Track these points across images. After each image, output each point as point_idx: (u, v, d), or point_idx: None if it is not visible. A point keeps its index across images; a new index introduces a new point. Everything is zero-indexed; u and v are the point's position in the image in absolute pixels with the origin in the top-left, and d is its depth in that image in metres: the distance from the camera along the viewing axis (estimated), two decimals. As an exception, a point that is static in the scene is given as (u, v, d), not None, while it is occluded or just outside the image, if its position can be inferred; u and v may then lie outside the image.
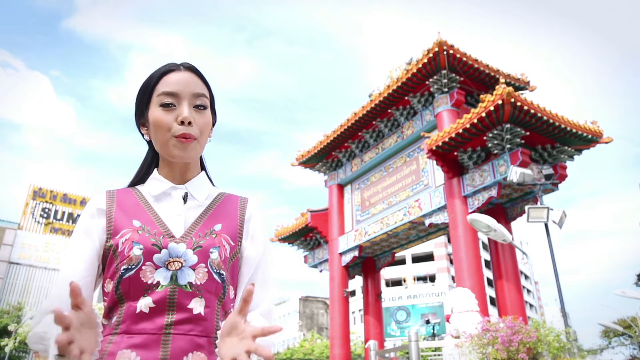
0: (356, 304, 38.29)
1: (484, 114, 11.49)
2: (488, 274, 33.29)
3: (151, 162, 1.27)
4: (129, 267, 1.03)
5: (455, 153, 12.75)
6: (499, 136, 11.75)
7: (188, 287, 1.04)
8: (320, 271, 18.51)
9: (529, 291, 55.62)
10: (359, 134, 16.97)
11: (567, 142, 12.70)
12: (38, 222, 36.13)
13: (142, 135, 1.22)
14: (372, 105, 15.61)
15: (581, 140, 12.72)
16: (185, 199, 1.18)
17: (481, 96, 11.96)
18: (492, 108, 11.29)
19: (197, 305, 1.03)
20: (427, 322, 24.39)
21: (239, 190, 1.35)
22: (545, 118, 11.68)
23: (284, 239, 18.72)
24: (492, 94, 11.48)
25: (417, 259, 47.00)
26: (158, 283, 1.02)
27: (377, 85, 16.02)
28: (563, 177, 12.56)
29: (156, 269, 1.03)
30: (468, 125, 11.84)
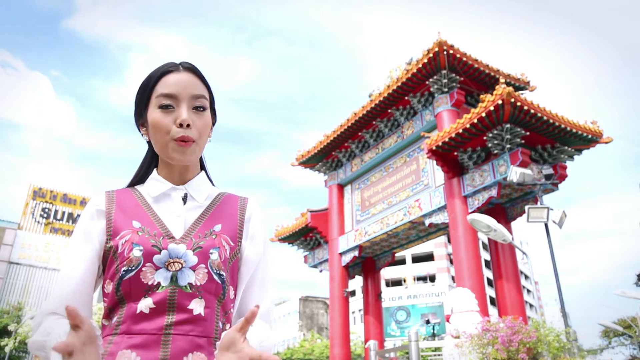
0: (356, 304, 38.29)
1: (484, 114, 11.49)
2: (488, 274, 33.29)
3: (150, 162, 1.26)
4: (129, 268, 1.03)
5: (455, 153, 12.75)
6: (499, 136, 11.75)
7: (188, 288, 1.04)
8: (320, 271, 18.52)
9: (529, 291, 55.61)
10: (359, 134, 16.97)
11: (567, 142, 12.70)
12: (38, 222, 36.14)
13: (142, 135, 1.22)
14: (372, 105, 15.61)
15: (581, 140, 12.72)
16: (185, 199, 1.17)
17: (481, 96, 11.96)
18: (492, 108, 11.29)
19: (197, 306, 1.03)
20: (427, 322, 24.39)
21: (239, 190, 1.35)
22: (545, 118, 11.68)
23: (284, 239, 18.72)
24: (492, 94, 11.48)
25: (417, 259, 47.00)
26: (158, 284, 1.02)
27: (377, 85, 16.04)
28: (563, 177, 12.56)
29: (156, 270, 1.03)
30: (468, 125, 11.84)
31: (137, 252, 1.04)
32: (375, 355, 10.86)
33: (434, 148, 12.59)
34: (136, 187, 1.23)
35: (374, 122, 16.34)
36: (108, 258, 1.08)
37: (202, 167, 1.28)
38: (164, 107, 1.11)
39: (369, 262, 17.98)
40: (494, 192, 12.05)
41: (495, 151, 11.90)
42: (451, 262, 40.39)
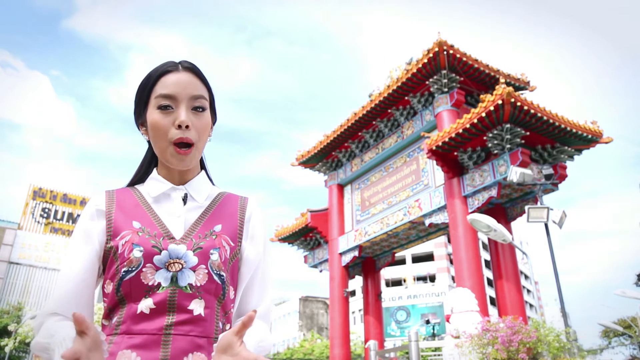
0: (356, 304, 38.29)
1: (484, 114, 11.49)
2: (488, 274, 33.29)
3: (150, 161, 1.26)
4: (130, 269, 1.03)
5: (455, 153, 12.75)
6: (499, 136, 11.75)
7: (188, 288, 1.04)
8: (320, 271, 18.52)
9: (529, 291, 55.61)
10: (359, 134, 16.97)
11: (567, 142, 12.70)
12: (38, 222, 36.13)
13: (142, 134, 1.21)
14: (372, 105, 15.61)
15: (581, 140, 12.72)
16: (185, 200, 1.17)
17: (481, 96, 11.97)
18: (492, 108, 11.29)
19: (197, 307, 1.03)
20: (427, 322, 24.40)
21: (239, 190, 1.34)
22: (545, 118, 11.68)
23: (284, 239, 18.72)
24: (492, 94, 11.48)
25: (417, 259, 47.00)
26: (159, 284, 1.02)
27: (377, 85, 16.04)
28: (563, 177, 12.57)
29: (157, 271, 1.03)
30: (468, 125, 11.84)
31: (137, 253, 1.03)
32: (375, 355, 10.87)
33: (434, 148, 12.59)
34: (136, 186, 1.23)
35: (374, 122, 16.34)
36: (108, 258, 1.08)
37: (202, 166, 1.27)
38: (163, 108, 1.11)
39: (369, 262, 17.98)
40: (494, 192, 12.05)
41: (495, 151, 11.90)
42: (451, 262, 40.39)
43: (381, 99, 15.27)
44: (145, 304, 1.01)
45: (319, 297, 50.52)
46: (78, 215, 36.86)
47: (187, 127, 1.10)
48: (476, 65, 13.78)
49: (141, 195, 1.18)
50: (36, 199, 36.68)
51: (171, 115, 1.11)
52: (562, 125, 12.04)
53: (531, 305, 54.49)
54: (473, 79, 14.19)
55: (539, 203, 10.35)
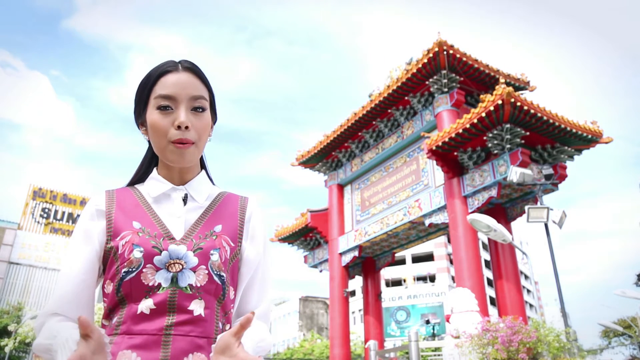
0: (356, 304, 38.29)
1: (484, 114, 11.49)
2: (488, 274, 33.30)
3: (150, 161, 1.26)
4: (130, 269, 1.03)
5: (455, 153, 12.75)
6: (499, 136, 11.75)
7: (188, 289, 1.04)
8: (320, 271, 18.52)
9: (529, 291, 55.62)
10: (359, 134, 16.98)
11: (567, 142, 12.70)
12: (38, 222, 36.11)
13: (142, 134, 1.21)
14: (372, 105, 15.61)
15: (581, 140, 12.72)
16: (185, 200, 1.17)
17: (481, 96, 11.97)
18: (492, 108, 11.29)
19: (197, 307, 1.03)
20: (427, 322, 24.39)
21: (239, 190, 1.34)
22: (545, 118, 11.68)
23: (284, 239, 18.72)
24: (492, 94, 11.48)
25: (417, 259, 47.00)
26: (159, 285, 1.03)
27: (377, 85, 16.04)
28: (563, 177, 12.57)
29: (157, 271, 1.03)
30: (468, 125, 11.84)
31: (137, 254, 1.03)
32: (375, 355, 10.86)
33: (434, 148, 12.59)
34: (136, 186, 1.23)
35: (374, 122, 16.34)
36: (108, 258, 1.08)
37: (203, 166, 1.27)
38: (162, 109, 1.10)
39: (369, 262, 17.98)
40: (494, 192, 12.05)
41: (495, 151, 11.90)
42: (451, 262, 40.39)
43: (381, 99, 15.27)
44: (146, 305, 1.01)
45: (319, 297, 50.52)
46: (78, 216, 36.85)
47: (186, 127, 1.09)
48: (476, 65, 13.79)
49: (141, 195, 1.18)
50: (36, 199, 36.67)
51: (171, 115, 1.10)
52: (562, 125, 12.04)
53: (531, 305, 54.50)
54: (473, 79, 14.19)
55: (539, 203, 10.35)
